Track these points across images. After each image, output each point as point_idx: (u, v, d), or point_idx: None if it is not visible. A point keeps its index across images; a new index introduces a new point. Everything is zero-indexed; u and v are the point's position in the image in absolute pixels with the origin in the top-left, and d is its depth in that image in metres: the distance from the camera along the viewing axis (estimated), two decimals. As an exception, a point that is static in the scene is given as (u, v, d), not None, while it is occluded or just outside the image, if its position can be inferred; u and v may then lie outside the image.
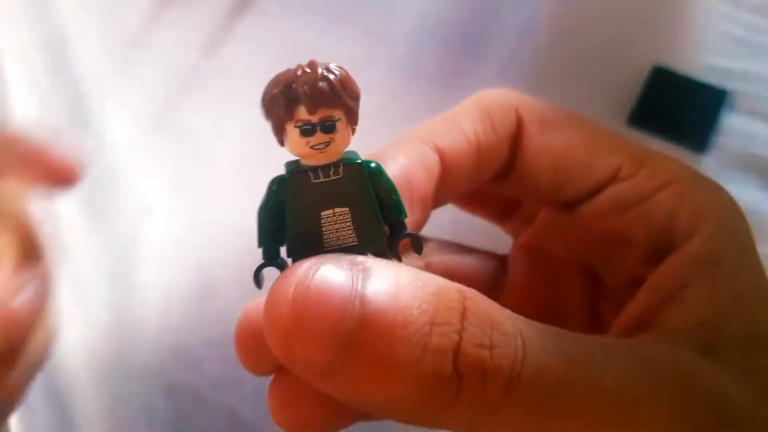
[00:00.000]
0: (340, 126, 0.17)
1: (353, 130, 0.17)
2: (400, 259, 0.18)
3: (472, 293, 0.15)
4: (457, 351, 0.13)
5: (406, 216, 0.18)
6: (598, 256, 0.23)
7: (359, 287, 0.14)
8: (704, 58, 0.42)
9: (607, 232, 0.22)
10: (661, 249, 0.21)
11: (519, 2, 0.44)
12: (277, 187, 0.17)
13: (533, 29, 0.44)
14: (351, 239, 0.17)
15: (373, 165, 0.18)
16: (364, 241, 0.17)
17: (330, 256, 0.15)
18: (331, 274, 0.14)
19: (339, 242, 0.17)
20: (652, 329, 0.19)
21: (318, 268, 0.15)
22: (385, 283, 0.14)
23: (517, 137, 0.23)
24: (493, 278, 0.25)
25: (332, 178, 0.17)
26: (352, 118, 0.17)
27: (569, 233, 0.24)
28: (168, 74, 0.44)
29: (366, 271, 0.15)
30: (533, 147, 0.23)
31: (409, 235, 0.18)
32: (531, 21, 0.44)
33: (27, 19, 0.43)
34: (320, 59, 0.17)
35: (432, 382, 0.13)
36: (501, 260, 0.26)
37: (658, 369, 0.16)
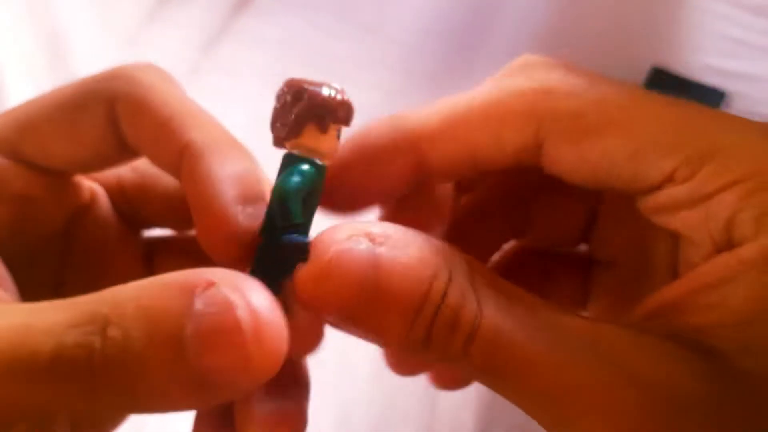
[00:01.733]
0: None
1: None
2: None
3: (453, 279, 0.18)
4: (433, 318, 0.18)
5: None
6: (662, 250, 0.22)
7: (374, 260, 0.18)
8: (702, 59, 0.43)
9: (665, 229, 0.21)
10: (722, 250, 0.19)
11: (518, 4, 0.44)
12: (320, 171, 0.20)
13: (533, 31, 0.44)
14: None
15: None
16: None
17: (356, 227, 0.18)
18: (354, 247, 0.18)
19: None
20: (671, 316, 0.19)
21: (343, 244, 0.18)
22: (397, 254, 0.18)
23: (536, 149, 0.21)
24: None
25: None
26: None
27: (629, 224, 0.22)
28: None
29: (383, 245, 0.18)
30: (563, 161, 0.21)
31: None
32: (530, 22, 0.44)
33: (27, 16, 0.43)
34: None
35: (415, 336, 0.18)
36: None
37: (599, 356, 0.18)
